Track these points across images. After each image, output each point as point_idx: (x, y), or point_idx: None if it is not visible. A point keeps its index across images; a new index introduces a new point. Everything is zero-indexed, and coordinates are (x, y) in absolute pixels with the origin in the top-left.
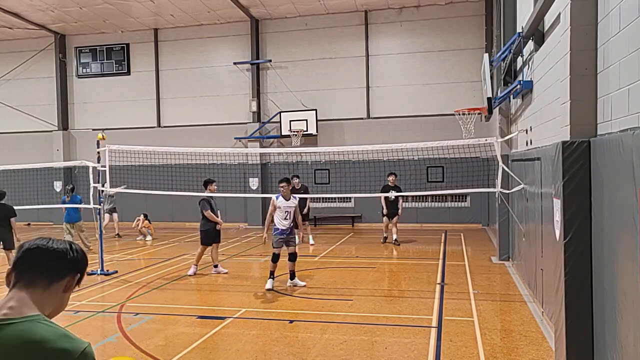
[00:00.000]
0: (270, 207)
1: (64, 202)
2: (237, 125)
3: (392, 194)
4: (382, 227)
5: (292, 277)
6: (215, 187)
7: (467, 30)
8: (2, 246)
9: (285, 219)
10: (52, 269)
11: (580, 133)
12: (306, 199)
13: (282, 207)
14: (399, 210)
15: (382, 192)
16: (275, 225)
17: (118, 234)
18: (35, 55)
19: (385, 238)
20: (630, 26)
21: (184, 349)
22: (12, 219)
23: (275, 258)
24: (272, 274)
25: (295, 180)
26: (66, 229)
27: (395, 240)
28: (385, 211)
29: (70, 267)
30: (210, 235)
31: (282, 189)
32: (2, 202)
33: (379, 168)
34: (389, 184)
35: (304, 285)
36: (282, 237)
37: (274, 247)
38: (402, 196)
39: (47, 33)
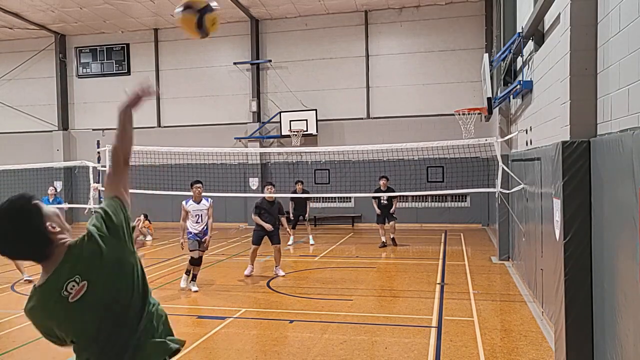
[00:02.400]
0: (183, 213)
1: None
2: (237, 125)
3: (384, 195)
4: (379, 230)
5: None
6: (270, 189)
7: (467, 30)
8: None
9: (197, 222)
10: (43, 241)
11: (580, 133)
12: (306, 202)
13: (192, 212)
14: (394, 212)
15: (374, 196)
16: (188, 229)
17: None
18: (36, 55)
19: (384, 243)
20: (630, 26)
21: (184, 349)
22: None
23: (194, 261)
24: (188, 272)
25: (299, 186)
26: None
27: (393, 239)
28: (378, 212)
29: (40, 235)
30: (258, 236)
31: (197, 190)
32: None
33: (379, 168)
34: (381, 187)
35: (197, 291)
36: (197, 239)
37: (190, 251)
38: (395, 198)
39: (47, 33)
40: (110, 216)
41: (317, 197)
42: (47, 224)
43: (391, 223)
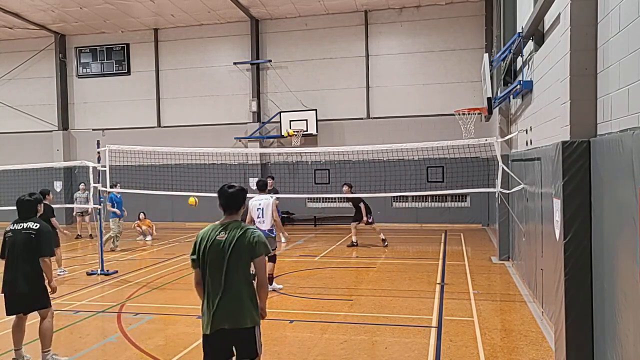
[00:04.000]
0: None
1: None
2: (237, 125)
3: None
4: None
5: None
6: None
7: (467, 30)
8: None
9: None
10: (238, 204)
11: (580, 133)
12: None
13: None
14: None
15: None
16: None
17: (79, 235)
18: (36, 55)
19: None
20: (630, 26)
21: (184, 349)
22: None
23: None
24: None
25: (270, 181)
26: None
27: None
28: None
29: (243, 199)
30: None
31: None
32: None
33: (379, 168)
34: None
35: (281, 288)
36: None
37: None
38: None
39: (47, 33)
40: (255, 242)
41: (317, 197)
42: (245, 201)
43: (372, 226)
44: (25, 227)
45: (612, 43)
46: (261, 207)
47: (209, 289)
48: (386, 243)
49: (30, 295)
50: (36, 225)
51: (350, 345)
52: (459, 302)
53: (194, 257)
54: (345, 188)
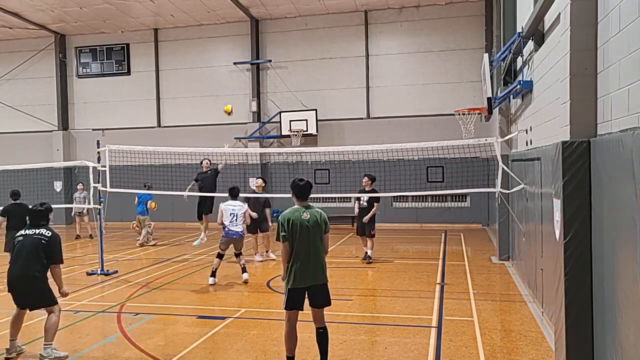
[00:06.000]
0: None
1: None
2: (237, 125)
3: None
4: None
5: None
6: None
7: (467, 30)
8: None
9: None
10: (308, 193)
11: (580, 133)
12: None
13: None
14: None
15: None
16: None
17: (78, 235)
18: (35, 55)
19: (366, 254)
20: (630, 26)
21: (184, 349)
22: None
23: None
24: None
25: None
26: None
27: (367, 255)
28: (356, 212)
29: (310, 189)
30: (253, 224)
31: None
32: (18, 202)
33: (379, 168)
34: (365, 188)
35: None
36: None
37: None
38: (376, 203)
39: (47, 33)
40: (325, 222)
41: (317, 197)
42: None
43: (369, 241)
44: (37, 232)
45: (612, 43)
46: (234, 212)
47: (300, 255)
48: (370, 260)
49: (32, 295)
50: (48, 233)
51: (350, 345)
52: (458, 302)
53: (284, 234)
54: (364, 180)
